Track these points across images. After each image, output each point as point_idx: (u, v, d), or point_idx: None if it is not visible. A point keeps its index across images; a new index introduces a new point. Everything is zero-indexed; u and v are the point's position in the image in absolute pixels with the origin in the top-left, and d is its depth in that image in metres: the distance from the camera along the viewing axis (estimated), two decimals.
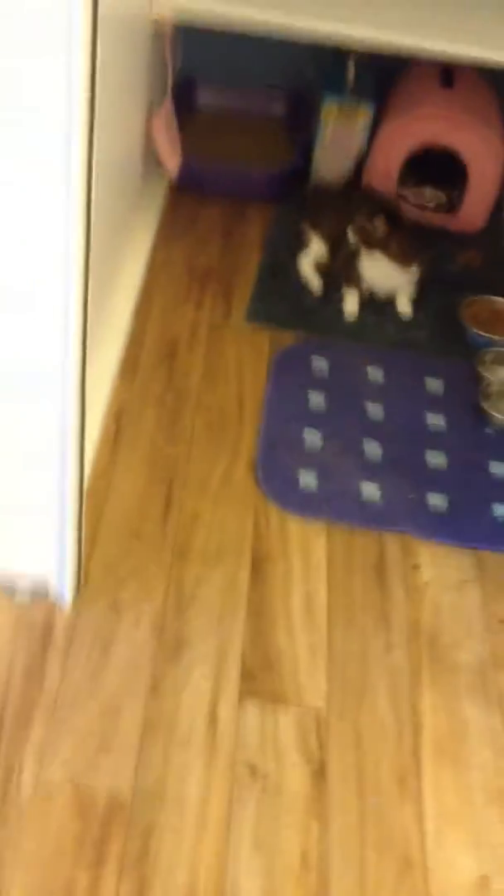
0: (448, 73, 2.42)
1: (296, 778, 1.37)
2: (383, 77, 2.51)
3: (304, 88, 2.64)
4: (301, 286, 2.21)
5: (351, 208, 2.20)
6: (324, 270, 2.23)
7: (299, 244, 2.24)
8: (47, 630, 1.49)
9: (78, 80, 1.07)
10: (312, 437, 1.85)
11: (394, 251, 2.07)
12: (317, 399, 1.93)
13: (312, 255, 2.22)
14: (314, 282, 2.22)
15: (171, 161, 2.33)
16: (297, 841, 1.30)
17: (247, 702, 1.45)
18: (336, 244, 2.20)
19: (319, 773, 1.38)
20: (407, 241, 2.06)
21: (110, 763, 1.35)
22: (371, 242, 2.07)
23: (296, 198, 2.42)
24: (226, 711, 1.43)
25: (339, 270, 2.20)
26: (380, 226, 2.05)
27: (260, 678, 1.48)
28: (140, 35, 1.95)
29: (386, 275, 2.11)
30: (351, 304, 2.16)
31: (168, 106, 2.29)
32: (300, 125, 2.61)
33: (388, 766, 1.40)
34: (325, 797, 1.36)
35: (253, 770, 1.37)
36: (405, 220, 2.13)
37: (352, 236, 2.10)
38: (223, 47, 2.54)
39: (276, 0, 2.08)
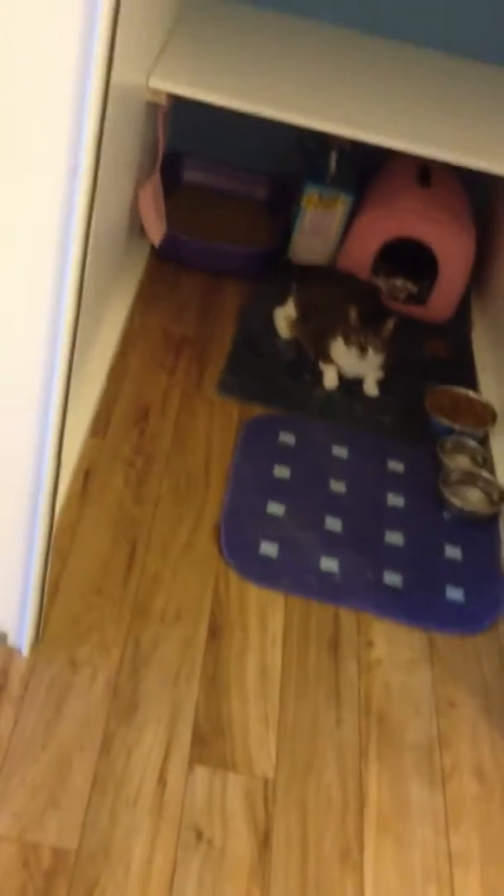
0: (425, 173, 2.54)
1: (240, 845, 1.38)
2: (364, 168, 2.62)
3: (286, 174, 2.75)
4: (272, 363, 2.28)
5: (331, 287, 2.31)
6: (294, 334, 2.34)
7: (281, 299, 2.37)
8: (2, 679, 1.50)
9: (85, 152, 1.12)
10: (276, 510, 1.89)
11: (360, 342, 2.15)
12: (282, 472, 1.98)
13: (284, 313, 2.36)
14: (284, 330, 2.36)
15: (155, 231, 2.40)
16: None
17: (196, 766, 1.46)
18: (305, 314, 2.30)
19: (264, 842, 1.39)
20: (375, 333, 2.15)
21: (58, 818, 1.35)
22: (346, 333, 2.16)
23: (273, 277, 2.51)
24: (175, 774, 1.44)
25: (310, 346, 2.28)
26: (353, 316, 2.14)
27: (211, 744, 1.49)
28: (135, 110, 2.03)
29: (352, 360, 2.19)
30: (330, 378, 2.24)
31: (156, 179, 2.37)
32: (281, 209, 2.71)
33: (332, 839, 1.42)
34: (268, 866, 1.37)
35: (199, 834, 1.38)
36: (385, 308, 2.24)
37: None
38: (212, 127, 2.64)
39: (268, 94, 2.17)
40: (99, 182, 1.19)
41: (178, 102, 2.20)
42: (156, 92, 2.11)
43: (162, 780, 1.43)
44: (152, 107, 2.17)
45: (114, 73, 1.13)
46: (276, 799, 1.45)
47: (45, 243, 1.18)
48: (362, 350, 2.16)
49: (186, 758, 1.47)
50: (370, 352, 2.16)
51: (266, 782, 1.46)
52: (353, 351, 2.17)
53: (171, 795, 1.42)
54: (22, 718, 1.46)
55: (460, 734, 1.60)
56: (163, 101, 2.14)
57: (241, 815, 1.42)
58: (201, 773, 1.45)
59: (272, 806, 1.44)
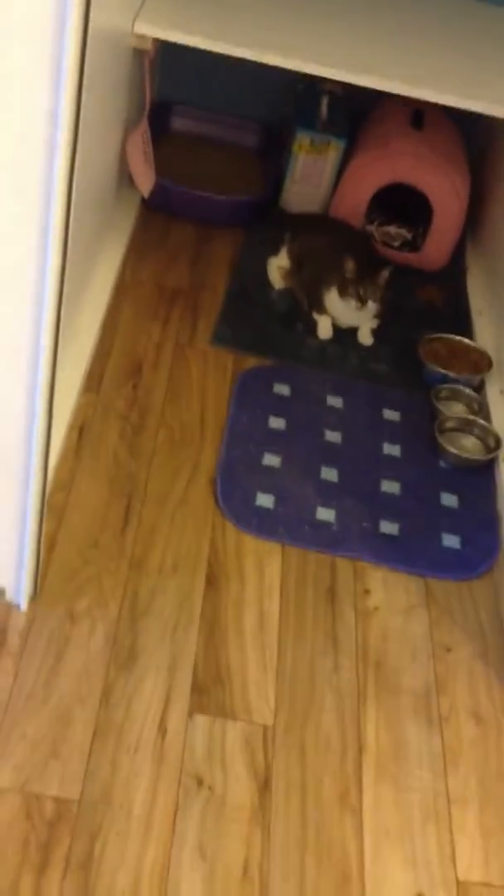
0: (418, 116, 2.50)
1: (241, 790, 1.40)
2: (356, 113, 2.58)
3: (277, 120, 2.71)
4: (266, 314, 2.26)
5: (324, 236, 2.28)
6: (288, 284, 2.32)
7: (274, 249, 2.35)
8: (1, 635, 1.51)
9: (65, 97, 1.10)
10: (271, 460, 1.89)
11: (359, 293, 2.13)
12: (277, 423, 1.98)
13: (277, 263, 2.34)
14: (277, 280, 2.34)
15: (145, 181, 2.37)
16: (240, 850, 1.33)
17: (196, 714, 1.47)
18: (298, 264, 2.28)
19: (264, 787, 1.41)
20: (372, 283, 2.13)
21: (59, 768, 1.37)
22: (343, 284, 2.14)
23: (264, 226, 2.48)
24: (175, 722, 1.46)
25: (303, 296, 2.26)
26: (350, 267, 2.12)
27: (210, 692, 1.51)
28: (120, 56, 1.99)
29: (348, 311, 2.18)
30: (324, 328, 2.23)
31: (144, 127, 2.34)
32: (272, 156, 2.67)
33: (331, 782, 1.44)
34: (269, 810, 1.39)
35: (199, 781, 1.40)
36: (378, 257, 2.22)
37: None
38: (201, 74, 2.60)
39: (256, 38, 2.13)
40: (82, 129, 1.17)
41: (165, 48, 2.17)
42: (142, 37, 2.08)
43: (162, 729, 1.45)
44: (139, 53, 2.14)
45: (95, 14, 1.10)
46: (276, 744, 1.47)
47: (27, 191, 1.17)
48: (362, 302, 2.15)
49: (186, 706, 1.48)
50: (368, 302, 2.15)
51: (265, 728, 1.48)
52: (351, 302, 2.16)
53: (172, 743, 1.43)
54: (22, 672, 1.47)
55: (457, 678, 1.61)
56: (149, 46, 2.11)
57: (241, 761, 1.43)
58: (201, 720, 1.47)
59: (272, 751, 1.46)
